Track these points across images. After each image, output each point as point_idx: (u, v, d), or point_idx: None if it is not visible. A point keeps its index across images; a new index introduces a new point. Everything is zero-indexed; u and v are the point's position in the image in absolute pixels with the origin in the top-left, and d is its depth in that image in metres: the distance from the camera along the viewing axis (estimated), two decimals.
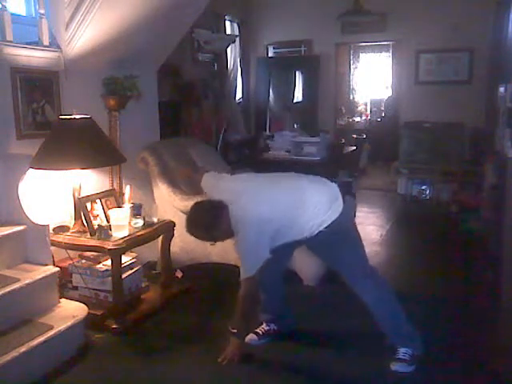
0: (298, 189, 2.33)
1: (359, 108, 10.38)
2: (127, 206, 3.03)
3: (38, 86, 2.90)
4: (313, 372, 2.37)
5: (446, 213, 5.26)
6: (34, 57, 2.90)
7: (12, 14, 2.89)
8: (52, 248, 2.72)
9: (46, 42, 3.00)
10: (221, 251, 3.30)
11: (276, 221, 2.21)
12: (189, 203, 3.36)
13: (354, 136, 6.25)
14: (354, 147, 5.73)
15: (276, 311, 2.65)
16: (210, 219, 2.27)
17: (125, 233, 2.80)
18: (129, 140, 3.42)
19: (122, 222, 2.81)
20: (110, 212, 2.87)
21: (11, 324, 2.34)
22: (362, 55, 10.22)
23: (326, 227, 2.25)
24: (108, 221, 2.87)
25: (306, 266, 3.27)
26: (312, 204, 2.27)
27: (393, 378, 2.28)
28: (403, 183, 5.89)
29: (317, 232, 2.26)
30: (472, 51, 6.08)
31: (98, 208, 2.97)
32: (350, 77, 9.27)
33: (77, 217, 2.86)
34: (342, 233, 2.31)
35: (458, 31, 5.99)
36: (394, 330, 2.37)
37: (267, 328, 2.63)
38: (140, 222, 2.96)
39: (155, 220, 3.07)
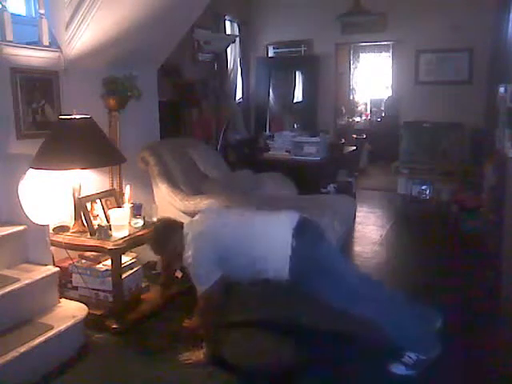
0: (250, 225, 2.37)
1: (359, 108, 10.39)
2: (127, 206, 3.03)
3: (37, 86, 2.90)
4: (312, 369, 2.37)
5: (445, 213, 5.26)
6: (33, 57, 2.90)
7: (12, 14, 2.89)
8: (52, 248, 2.72)
9: (45, 42, 3.00)
10: None
11: (219, 242, 2.30)
12: (189, 203, 3.39)
13: (354, 136, 6.26)
14: (354, 147, 5.74)
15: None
16: (159, 236, 2.49)
17: (125, 233, 2.80)
18: (129, 140, 3.42)
19: (121, 222, 2.81)
20: (109, 212, 2.87)
21: (11, 324, 2.34)
22: (362, 55, 10.23)
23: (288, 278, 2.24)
24: (108, 221, 2.87)
25: None
26: (263, 241, 2.28)
27: (389, 379, 2.27)
28: (403, 183, 5.89)
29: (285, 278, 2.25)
30: (472, 51, 6.07)
31: (97, 208, 2.97)
32: (350, 77, 9.25)
33: (77, 217, 2.86)
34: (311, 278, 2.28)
35: (458, 31, 5.98)
36: (399, 335, 2.30)
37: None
38: (140, 222, 2.96)
39: (155, 220, 3.06)
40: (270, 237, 2.29)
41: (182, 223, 2.48)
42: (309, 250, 2.25)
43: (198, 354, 2.38)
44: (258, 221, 2.39)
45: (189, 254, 2.30)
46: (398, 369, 2.29)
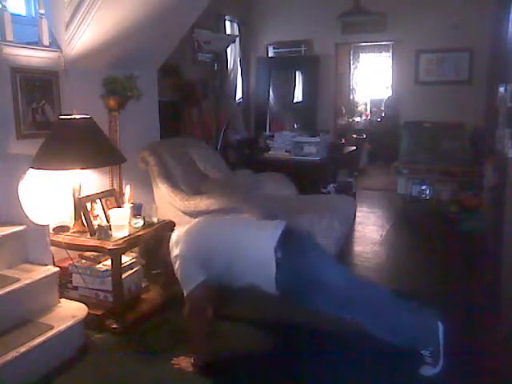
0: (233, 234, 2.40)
1: (359, 108, 10.39)
2: (127, 206, 3.03)
3: (37, 86, 2.90)
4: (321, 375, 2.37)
5: (445, 213, 5.26)
6: (33, 57, 2.90)
7: (12, 14, 2.89)
8: (52, 248, 2.72)
9: (46, 42, 3.00)
10: None
11: (203, 245, 2.34)
12: (189, 203, 3.39)
13: (354, 136, 6.26)
14: (354, 147, 5.74)
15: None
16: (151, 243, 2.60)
17: (125, 233, 2.80)
18: (129, 140, 3.42)
19: (121, 222, 2.81)
20: (109, 212, 2.87)
21: (11, 324, 2.34)
22: (362, 55, 10.23)
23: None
24: (108, 221, 2.87)
25: None
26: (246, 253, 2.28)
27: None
28: (403, 183, 5.89)
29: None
30: (472, 51, 6.08)
31: (97, 208, 2.97)
32: (350, 77, 9.27)
33: (77, 217, 2.86)
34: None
35: (458, 31, 5.99)
36: (401, 340, 2.28)
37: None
38: (140, 222, 2.96)
39: (155, 220, 3.06)
40: (255, 250, 2.28)
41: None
42: (294, 261, 2.24)
43: (187, 361, 2.35)
44: (244, 233, 2.38)
45: (174, 254, 2.33)
46: (426, 371, 2.27)
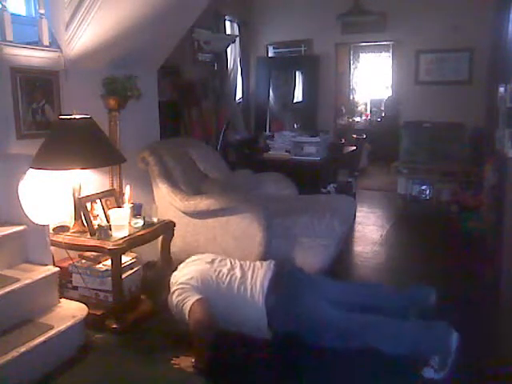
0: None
1: (359, 108, 10.40)
2: (127, 206, 3.03)
3: (38, 86, 2.90)
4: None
5: (446, 213, 5.26)
6: (34, 57, 2.90)
7: (12, 14, 2.89)
8: (52, 248, 2.72)
9: (46, 42, 3.00)
10: (220, 251, 3.29)
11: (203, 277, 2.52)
12: (189, 203, 3.39)
13: (354, 136, 6.25)
14: (354, 147, 5.73)
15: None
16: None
17: (125, 233, 2.80)
18: (129, 140, 3.41)
19: (121, 222, 2.81)
20: (109, 212, 2.87)
21: (11, 324, 2.34)
22: (362, 55, 10.24)
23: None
24: (108, 221, 2.87)
25: (309, 258, 3.22)
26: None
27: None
28: (403, 183, 5.89)
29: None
30: (472, 51, 6.07)
31: (97, 208, 2.97)
32: (350, 77, 9.27)
33: (77, 217, 2.86)
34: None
35: (458, 31, 5.99)
36: (410, 352, 2.30)
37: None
38: (140, 222, 2.96)
39: (155, 220, 3.06)
40: (246, 310, 2.42)
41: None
42: (286, 305, 2.36)
43: (188, 361, 2.35)
44: (235, 288, 2.48)
45: (173, 288, 2.50)
46: (426, 372, 2.27)
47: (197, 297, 2.37)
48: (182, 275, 2.55)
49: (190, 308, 2.33)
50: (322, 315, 2.37)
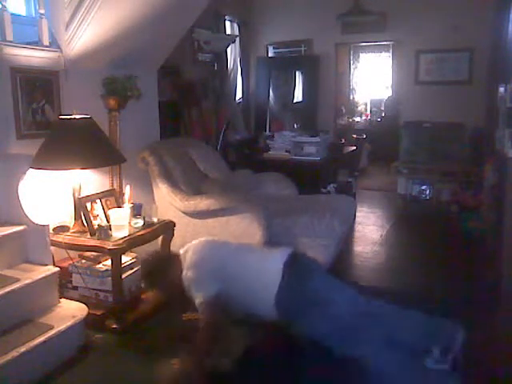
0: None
1: (359, 108, 10.40)
2: (127, 206, 3.03)
3: (38, 86, 2.90)
4: None
5: (446, 213, 5.26)
6: (34, 57, 2.90)
7: (12, 14, 2.89)
8: (52, 248, 2.72)
9: (46, 42, 3.00)
10: None
11: (217, 256, 2.42)
12: (189, 203, 3.39)
13: (354, 136, 6.25)
14: (354, 147, 5.73)
15: None
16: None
17: (125, 233, 2.80)
18: (129, 140, 3.42)
19: (121, 222, 2.81)
20: (109, 212, 2.87)
21: (11, 324, 2.34)
22: (362, 55, 10.23)
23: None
24: (108, 221, 2.87)
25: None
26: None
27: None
28: (403, 183, 5.89)
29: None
30: (472, 51, 6.07)
31: (97, 208, 2.97)
32: (350, 77, 9.26)
33: (77, 217, 2.86)
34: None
35: (458, 31, 5.98)
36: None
37: None
38: (140, 222, 2.96)
39: (155, 220, 3.06)
40: (260, 275, 2.31)
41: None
42: (297, 284, 2.25)
43: (187, 361, 2.31)
44: (251, 257, 2.42)
45: (189, 264, 2.37)
46: (430, 363, 2.24)
47: (209, 292, 2.27)
48: (192, 253, 2.44)
49: (198, 308, 2.29)
50: (333, 300, 2.27)
